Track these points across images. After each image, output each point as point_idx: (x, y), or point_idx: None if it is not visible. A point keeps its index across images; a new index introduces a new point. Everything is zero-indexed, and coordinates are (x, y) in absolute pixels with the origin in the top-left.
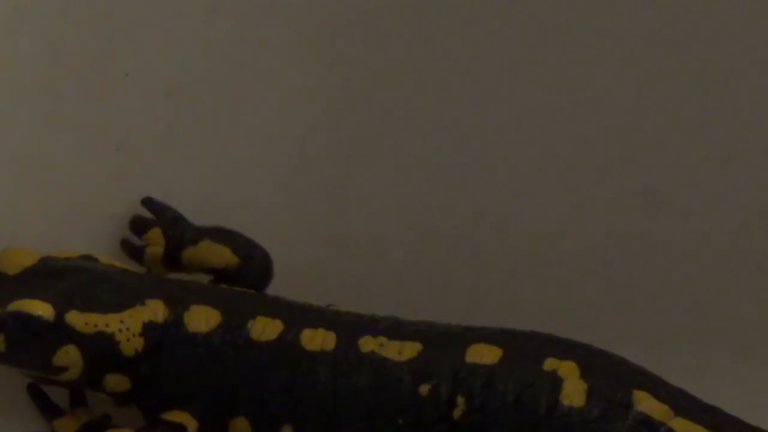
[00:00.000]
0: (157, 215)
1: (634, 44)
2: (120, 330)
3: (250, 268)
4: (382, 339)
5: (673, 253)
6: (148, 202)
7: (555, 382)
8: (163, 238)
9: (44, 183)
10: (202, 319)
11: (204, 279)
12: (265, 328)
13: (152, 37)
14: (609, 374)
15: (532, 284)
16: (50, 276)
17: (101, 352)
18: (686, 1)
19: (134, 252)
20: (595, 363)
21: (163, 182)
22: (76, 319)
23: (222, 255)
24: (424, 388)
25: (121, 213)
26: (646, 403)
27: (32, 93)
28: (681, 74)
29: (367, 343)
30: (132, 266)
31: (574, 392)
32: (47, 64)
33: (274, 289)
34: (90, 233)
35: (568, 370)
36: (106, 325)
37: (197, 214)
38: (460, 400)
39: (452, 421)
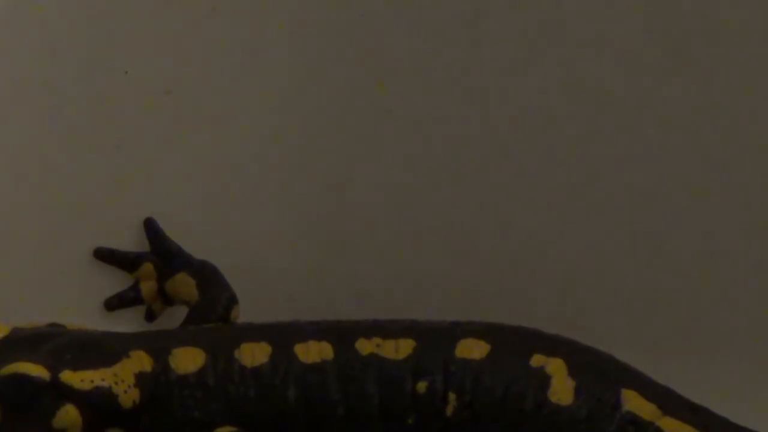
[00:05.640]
0: (151, 243)
1: (634, 43)
2: (116, 383)
3: (208, 307)
4: (377, 339)
5: (673, 253)
6: (149, 224)
7: (542, 378)
8: (154, 272)
9: (44, 181)
10: (188, 360)
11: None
12: (254, 353)
13: (152, 35)
14: (597, 372)
15: (532, 284)
16: (30, 342)
17: (100, 408)
18: (686, 0)
19: (127, 301)
20: (583, 360)
21: (162, 181)
22: (71, 377)
23: (190, 288)
24: (421, 386)
25: (121, 211)
26: (634, 402)
27: (31, 91)
28: (681, 73)
29: (365, 346)
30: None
31: (562, 389)
32: (46, 62)
33: (273, 289)
34: (90, 232)
35: (555, 367)
36: (102, 380)
37: (196, 214)
38: (452, 396)
39: (446, 418)
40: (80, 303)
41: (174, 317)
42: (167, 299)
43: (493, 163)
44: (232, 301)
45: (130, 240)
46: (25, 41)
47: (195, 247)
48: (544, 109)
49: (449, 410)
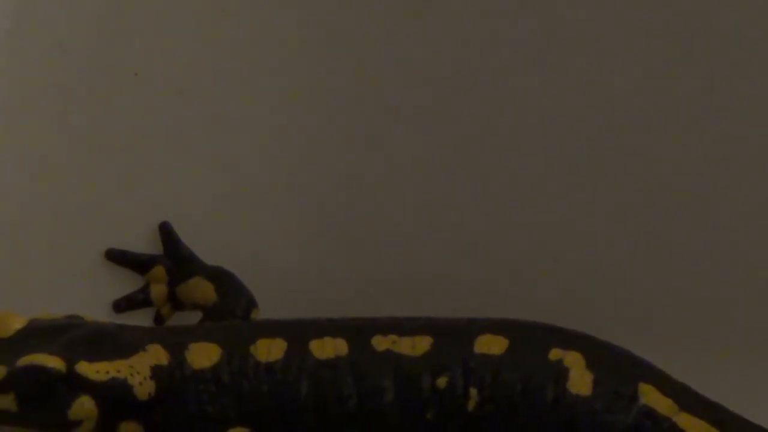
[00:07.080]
0: (165, 246)
1: (638, 42)
2: (132, 375)
3: (227, 310)
4: (393, 336)
5: (674, 252)
6: (163, 228)
7: (561, 371)
8: (166, 276)
9: (53, 183)
10: (203, 355)
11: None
12: (269, 349)
13: (162, 36)
14: (614, 366)
15: (537, 283)
16: (47, 333)
17: (116, 399)
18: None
19: (135, 303)
20: (601, 354)
21: (172, 182)
22: (86, 368)
23: (206, 291)
24: (441, 381)
25: (131, 212)
26: (651, 397)
27: (41, 92)
28: (684, 73)
29: (380, 343)
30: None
31: (580, 382)
32: (56, 64)
33: (282, 289)
34: (98, 233)
35: (573, 360)
36: (118, 371)
37: (206, 214)
38: (473, 391)
39: (467, 414)
40: (89, 304)
41: (183, 322)
42: (176, 303)
43: (500, 162)
44: (252, 304)
45: (140, 241)
46: (35, 43)
47: (206, 246)
48: (548, 108)
49: (471, 405)
